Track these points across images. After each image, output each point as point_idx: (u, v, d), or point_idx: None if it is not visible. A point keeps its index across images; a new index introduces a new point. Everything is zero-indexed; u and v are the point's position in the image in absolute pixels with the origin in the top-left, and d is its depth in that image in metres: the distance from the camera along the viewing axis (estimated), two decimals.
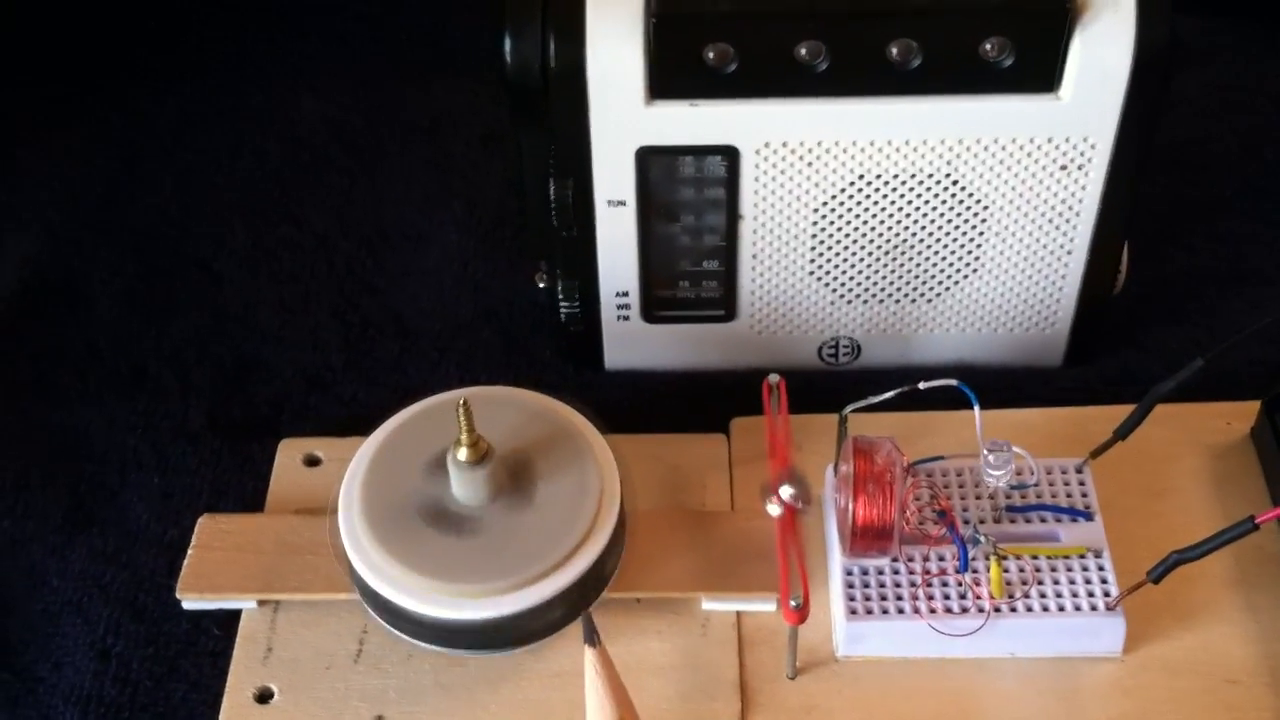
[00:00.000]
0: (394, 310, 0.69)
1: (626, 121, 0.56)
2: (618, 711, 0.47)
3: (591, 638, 0.47)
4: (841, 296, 0.62)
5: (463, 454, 0.52)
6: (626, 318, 0.63)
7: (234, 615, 0.56)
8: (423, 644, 0.53)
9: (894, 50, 0.54)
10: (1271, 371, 0.64)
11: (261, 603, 0.56)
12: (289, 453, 0.61)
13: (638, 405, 0.64)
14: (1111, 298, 0.63)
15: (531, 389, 0.58)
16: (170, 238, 0.72)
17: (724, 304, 0.62)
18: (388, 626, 0.54)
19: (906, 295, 0.62)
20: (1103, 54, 0.54)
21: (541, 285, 0.64)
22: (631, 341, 0.64)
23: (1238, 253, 0.71)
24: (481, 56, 0.79)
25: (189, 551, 0.56)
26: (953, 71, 0.55)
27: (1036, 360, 0.65)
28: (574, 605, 0.53)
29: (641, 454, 0.60)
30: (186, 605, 0.56)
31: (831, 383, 0.64)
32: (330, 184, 0.75)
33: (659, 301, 0.62)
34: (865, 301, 0.62)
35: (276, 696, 0.53)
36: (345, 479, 0.55)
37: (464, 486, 0.53)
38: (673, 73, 0.55)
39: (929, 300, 0.62)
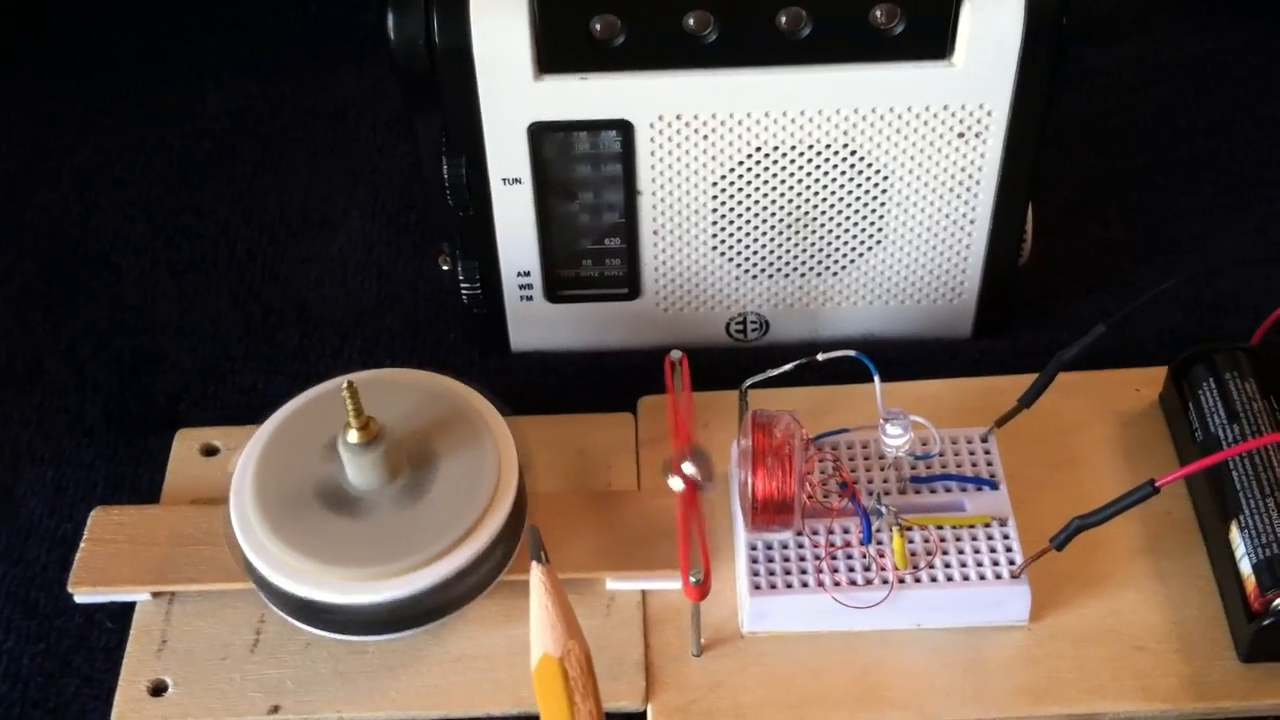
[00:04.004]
0: (296, 297, 0.67)
1: (516, 97, 0.55)
2: (566, 631, 0.45)
3: (539, 554, 0.46)
4: (746, 271, 0.61)
5: (352, 436, 0.51)
6: (530, 298, 0.62)
7: (128, 609, 0.54)
8: (318, 631, 0.52)
9: (783, 19, 0.53)
10: (1182, 339, 0.63)
11: (156, 595, 0.55)
12: (186, 443, 0.60)
13: (546, 387, 0.63)
14: (1019, 268, 0.63)
15: (436, 373, 0.57)
16: (69, 233, 0.71)
17: (628, 282, 0.62)
18: (283, 614, 0.53)
19: (812, 269, 0.62)
20: (993, 19, 0.54)
21: (445, 268, 0.63)
22: (536, 322, 0.63)
23: (1150, 224, 0.70)
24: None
25: (81, 545, 0.55)
26: (844, 40, 0.54)
27: (946, 332, 0.64)
28: (472, 587, 0.52)
29: (547, 435, 0.59)
30: (79, 599, 0.55)
31: (741, 359, 0.63)
32: (233, 173, 0.74)
33: (561, 281, 0.62)
34: (771, 276, 0.62)
35: (171, 689, 0.52)
36: (237, 467, 0.54)
37: (357, 470, 0.52)
38: (560, 46, 0.54)
39: (835, 273, 0.62)
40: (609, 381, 0.62)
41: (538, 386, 0.63)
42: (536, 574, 0.46)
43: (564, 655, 0.45)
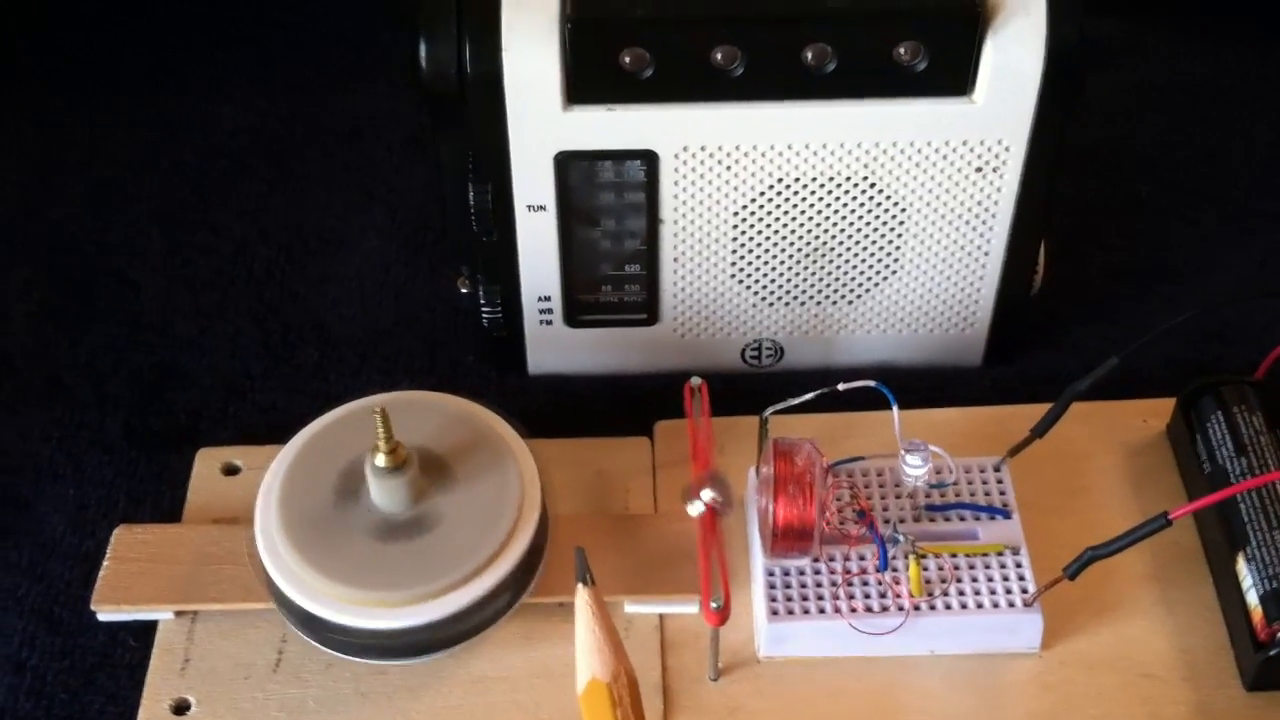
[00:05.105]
0: (314, 316, 0.68)
1: (544, 126, 0.56)
2: (614, 655, 0.45)
3: (585, 576, 0.46)
4: (763, 299, 0.62)
5: (381, 460, 0.52)
6: (549, 322, 0.63)
7: (151, 627, 0.55)
8: (341, 654, 0.53)
9: (809, 54, 0.54)
10: (1187, 369, 0.64)
11: (179, 614, 0.55)
12: (207, 462, 0.60)
13: (562, 409, 0.64)
14: (1029, 297, 0.64)
15: (454, 394, 0.57)
16: (86, 248, 0.71)
17: (646, 308, 0.62)
18: (305, 636, 0.53)
19: (828, 297, 0.62)
20: (1014, 57, 0.55)
21: (464, 290, 0.64)
22: (555, 346, 0.64)
23: (1152, 251, 0.72)
24: (403, 61, 0.78)
25: (104, 563, 0.56)
26: (867, 75, 0.55)
27: (957, 360, 0.65)
28: (495, 610, 0.53)
29: (565, 458, 0.60)
30: (102, 617, 0.55)
31: (755, 385, 0.64)
32: (249, 191, 0.74)
33: (581, 306, 0.62)
34: (787, 304, 0.63)
35: (194, 708, 0.53)
36: (262, 487, 0.54)
37: (382, 493, 0.53)
38: (589, 78, 0.55)
39: (850, 302, 0.63)
40: (625, 405, 0.63)
41: (554, 408, 0.64)
42: (583, 597, 0.46)
43: (613, 680, 0.45)
